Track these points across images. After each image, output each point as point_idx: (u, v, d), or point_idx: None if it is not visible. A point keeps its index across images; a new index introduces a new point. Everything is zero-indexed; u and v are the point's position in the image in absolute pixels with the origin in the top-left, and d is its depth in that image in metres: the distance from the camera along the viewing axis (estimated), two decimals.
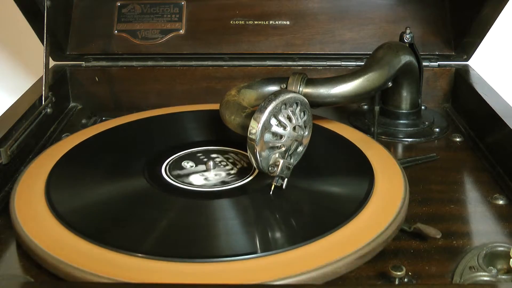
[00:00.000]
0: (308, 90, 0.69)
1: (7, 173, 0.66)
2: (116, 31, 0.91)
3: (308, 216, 0.57)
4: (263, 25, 0.91)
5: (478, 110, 0.78)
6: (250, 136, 0.56)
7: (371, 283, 0.50)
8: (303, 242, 0.51)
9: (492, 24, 0.83)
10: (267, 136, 0.57)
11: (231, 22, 0.91)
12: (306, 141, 0.61)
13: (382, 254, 0.53)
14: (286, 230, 0.54)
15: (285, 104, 0.57)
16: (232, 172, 0.64)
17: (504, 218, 0.60)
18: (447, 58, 0.90)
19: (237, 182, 0.62)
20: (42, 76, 0.77)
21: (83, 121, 0.82)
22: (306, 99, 0.60)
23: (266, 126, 0.56)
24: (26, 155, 0.71)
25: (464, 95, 0.86)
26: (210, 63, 0.90)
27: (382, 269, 0.51)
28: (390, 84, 0.72)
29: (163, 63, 0.90)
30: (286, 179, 0.58)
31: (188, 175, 0.63)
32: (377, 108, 0.74)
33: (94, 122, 0.82)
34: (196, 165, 0.65)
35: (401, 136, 0.78)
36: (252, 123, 0.56)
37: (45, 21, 0.76)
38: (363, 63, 0.73)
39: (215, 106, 0.70)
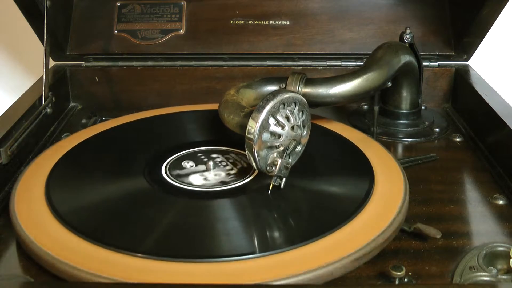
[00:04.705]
0: (307, 90, 0.69)
1: (7, 173, 0.66)
2: (116, 31, 0.91)
3: (308, 216, 0.57)
4: (263, 25, 0.91)
5: (478, 110, 0.78)
6: (249, 135, 0.56)
7: (371, 283, 0.50)
8: (303, 242, 0.51)
9: (492, 24, 0.83)
10: (265, 136, 0.57)
11: (231, 22, 0.91)
12: (304, 140, 0.61)
13: (382, 254, 0.53)
14: (286, 230, 0.54)
15: (284, 104, 0.57)
16: (232, 172, 0.64)
17: (504, 218, 0.60)
18: (447, 58, 0.89)
19: (237, 182, 0.62)
20: (42, 76, 0.77)
21: (83, 121, 0.82)
22: (304, 99, 0.60)
23: (264, 126, 0.56)
24: (26, 155, 0.71)
25: (464, 95, 0.86)
26: (210, 63, 0.90)
27: (382, 269, 0.51)
28: (389, 84, 0.72)
29: (163, 63, 0.90)
30: (284, 179, 0.58)
31: (187, 175, 0.63)
32: (376, 108, 0.74)
33: (94, 122, 0.82)
34: (196, 165, 0.65)
35: (401, 136, 0.78)
36: (250, 122, 0.56)
37: (45, 21, 0.76)
38: (363, 63, 0.73)
39: (215, 106, 0.70)
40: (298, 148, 0.60)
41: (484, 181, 0.67)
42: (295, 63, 0.90)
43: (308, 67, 0.89)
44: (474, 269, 0.50)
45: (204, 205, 0.58)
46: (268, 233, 0.53)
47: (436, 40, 0.89)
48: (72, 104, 0.91)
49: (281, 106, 0.57)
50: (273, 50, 0.90)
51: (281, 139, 0.58)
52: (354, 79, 0.69)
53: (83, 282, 0.47)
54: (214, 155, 0.68)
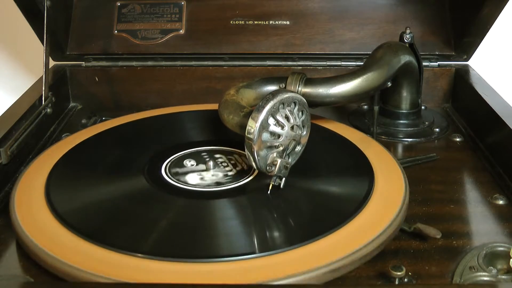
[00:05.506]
0: (307, 89, 0.69)
1: (7, 173, 0.66)
2: (116, 31, 0.91)
3: (308, 216, 0.57)
4: (263, 25, 0.91)
5: (478, 110, 0.78)
6: (248, 135, 0.56)
7: (371, 283, 0.50)
8: (303, 242, 0.51)
9: (492, 24, 0.83)
10: (265, 136, 0.57)
11: (231, 22, 0.91)
12: (304, 140, 0.61)
13: (382, 254, 0.52)
14: (286, 230, 0.54)
15: (283, 104, 0.57)
16: (229, 173, 0.64)
17: (504, 218, 0.60)
18: (447, 58, 0.89)
19: (237, 182, 0.62)
20: (42, 76, 0.77)
21: (83, 121, 0.82)
22: (304, 99, 0.60)
23: (264, 126, 0.56)
24: (26, 155, 0.71)
25: (464, 95, 0.86)
26: (210, 63, 0.90)
27: (382, 269, 0.51)
28: (389, 84, 0.72)
29: (163, 63, 0.90)
30: (284, 179, 0.58)
31: (187, 174, 0.63)
32: (376, 108, 0.74)
33: (94, 122, 0.82)
34: (196, 165, 0.65)
35: (401, 136, 0.78)
36: (250, 122, 0.56)
37: (45, 21, 0.76)
38: (363, 63, 0.73)
39: (215, 106, 0.70)
40: (298, 148, 0.60)
41: (484, 181, 0.67)
42: (295, 63, 0.90)
43: (308, 67, 0.89)
44: (474, 269, 0.50)
45: (204, 205, 0.58)
46: (268, 233, 0.53)
47: (436, 40, 0.89)
48: (72, 104, 0.91)
49: (281, 106, 0.57)
50: (273, 50, 0.90)
51: (281, 139, 0.58)
52: (354, 79, 0.69)
53: (83, 282, 0.47)
54: (214, 155, 0.68)
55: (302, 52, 0.90)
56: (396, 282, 0.49)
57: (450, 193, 0.65)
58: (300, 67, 0.89)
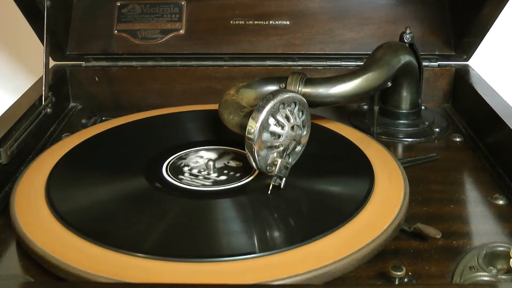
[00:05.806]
0: (307, 89, 0.69)
1: (7, 173, 0.66)
2: (116, 31, 0.91)
3: (308, 216, 0.57)
4: (263, 25, 0.91)
5: (478, 110, 0.78)
6: (248, 135, 0.56)
7: (371, 283, 0.50)
8: (303, 242, 0.51)
9: (492, 24, 0.83)
10: (265, 136, 0.57)
11: (231, 22, 0.91)
12: (304, 140, 0.61)
13: (382, 254, 0.53)
14: (286, 230, 0.54)
15: (283, 104, 0.57)
16: (230, 173, 0.64)
17: (504, 218, 0.60)
18: (447, 58, 0.89)
19: (237, 182, 0.62)
20: (42, 76, 0.77)
21: (83, 121, 0.82)
22: (304, 99, 0.60)
23: (264, 126, 0.56)
24: (26, 155, 0.71)
25: (464, 95, 0.86)
26: (210, 63, 0.90)
27: (382, 269, 0.51)
28: (389, 84, 0.72)
29: (163, 63, 0.90)
30: (284, 179, 0.58)
31: (187, 174, 0.63)
32: (376, 108, 0.74)
33: (94, 122, 0.82)
34: (196, 165, 0.65)
35: (401, 136, 0.78)
36: (250, 122, 0.56)
37: (45, 21, 0.76)
38: (363, 63, 0.73)
39: (215, 106, 0.70)
40: (298, 148, 0.60)
41: (484, 181, 0.67)
42: (295, 63, 0.90)
43: (308, 67, 0.89)
44: (474, 269, 0.50)
45: (204, 205, 0.58)
46: (268, 233, 0.53)
47: (436, 40, 0.89)
48: (72, 104, 0.91)
49: (281, 106, 0.57)
50: (273, 50, 0.90)
51: (281, 139, 0.58)
52: (354, 79, 0.69)
53: (83, 282, 0.47)
54: (214, 155, 0.68)
55: (302, 52, 0.90)
56: (396, 282, 0.49)
57: (450, 193, 0.65)
58: (300, 67, 0.89)
